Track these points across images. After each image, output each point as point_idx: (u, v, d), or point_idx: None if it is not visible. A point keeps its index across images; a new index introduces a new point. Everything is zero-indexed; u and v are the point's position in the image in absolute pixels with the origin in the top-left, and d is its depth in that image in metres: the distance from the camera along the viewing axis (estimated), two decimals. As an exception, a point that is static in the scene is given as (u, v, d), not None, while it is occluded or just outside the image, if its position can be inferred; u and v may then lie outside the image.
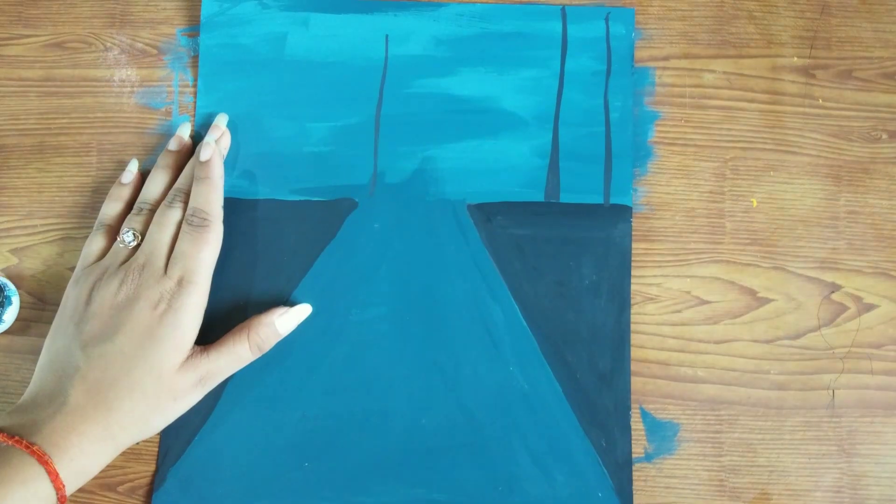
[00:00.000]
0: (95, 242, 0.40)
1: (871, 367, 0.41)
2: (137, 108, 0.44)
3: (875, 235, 0.42)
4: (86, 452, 0.35)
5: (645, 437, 0.41)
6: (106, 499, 0.40)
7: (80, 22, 0.44)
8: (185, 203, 0.40)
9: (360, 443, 0.40)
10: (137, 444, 0.39)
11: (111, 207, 0.41)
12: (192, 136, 0.43)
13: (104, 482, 0.40)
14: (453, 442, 0.40)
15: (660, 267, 0.42)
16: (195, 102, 0.43)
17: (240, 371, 0.40)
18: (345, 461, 0.40)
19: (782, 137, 0.43)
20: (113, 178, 0.43)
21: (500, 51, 0.43)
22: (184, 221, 0.39)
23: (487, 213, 0.42)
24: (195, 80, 0.43)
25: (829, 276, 0.42)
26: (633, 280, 0.42)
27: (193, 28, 0.44)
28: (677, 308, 0.42)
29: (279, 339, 0.40)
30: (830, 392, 0.41)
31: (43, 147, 0.43)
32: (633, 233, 0.42)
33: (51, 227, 0.43)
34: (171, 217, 0.39)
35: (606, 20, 0.44)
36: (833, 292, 0.42)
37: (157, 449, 0.40)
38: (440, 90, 0.43)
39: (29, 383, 0.37)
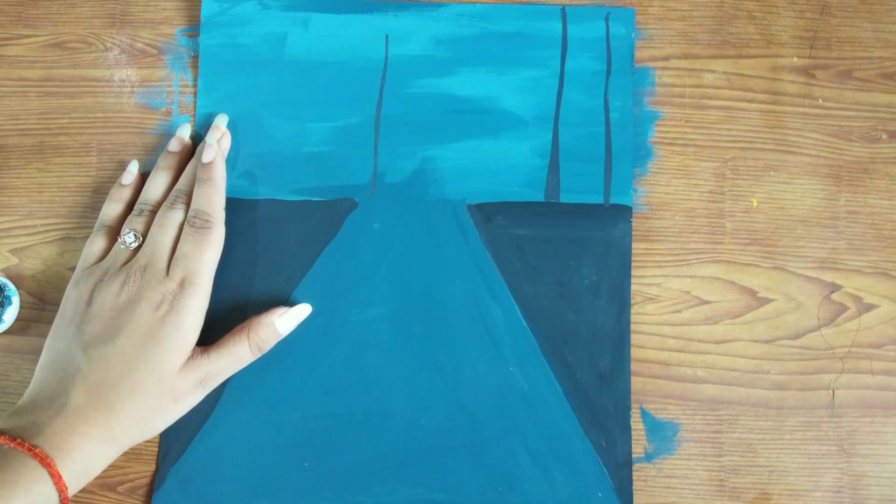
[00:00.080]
0: (96, 243, 0.40)
1: (871, 367, 0.41)
2: (137, 109, 0.44)
3: (875, 235, 0.42)
4: (87, 454, 0.35)
5: (645, 437, 0.41)
6: (106, 499, 0.40)
7: (80, 22, 0.44)
8: (187, 204, 0.40)
9: (360, 443, 0.40)
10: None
11: (111, 208, 0.41)
12: (192, 137, 0.43)
13: (104, 482, 0.40)
14: (453, 442, 0.40)
15: (660, 267, 0.42)
16: (195, 102, 0.43)
17: (240, 371, 0.40)
18: (345, 461, 0.40)
19: (782, 137, 0.43)
20: (113, 179, 0.43)
21: (500, 51, 0.43)
22: (186, 223, 0.39)
23: (487, 213, 0.42)
24: (195, 80, 0.43)
25: (829, 276, 0.42)
26: (633, 280, 0.42)
27: (193, 28, 0.44)
28: (677, 308, 0.42)
29: (279, 339, 0.40)
30: (830, 392, 0.41)
31: (43, 147, 0.43)
32: (633, 233, 0.42)
33: (51, 227, 0.43)
34: (172, 218, 0.39)
35: (606, 20, 0.43)
36: (833, 292, 0.42)
37: (157, 449, 0.41)
38: (440, 90, 0.43)
39: (29, 384, 0.37)
